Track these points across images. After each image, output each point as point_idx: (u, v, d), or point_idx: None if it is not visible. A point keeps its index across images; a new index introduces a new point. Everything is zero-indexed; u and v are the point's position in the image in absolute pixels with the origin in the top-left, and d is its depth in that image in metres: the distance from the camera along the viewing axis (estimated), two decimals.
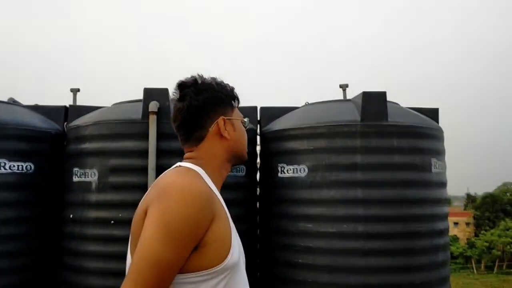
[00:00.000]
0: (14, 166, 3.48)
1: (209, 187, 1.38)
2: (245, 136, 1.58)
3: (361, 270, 3.37)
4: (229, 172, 1.55)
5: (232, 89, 1.56)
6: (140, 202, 1.39)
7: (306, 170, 3.55)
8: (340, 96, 4.51)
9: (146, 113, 3.41)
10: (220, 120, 1.48)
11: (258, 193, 4.00)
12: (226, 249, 1.30)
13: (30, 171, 3.57)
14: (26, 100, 4.31)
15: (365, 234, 3.40)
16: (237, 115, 1.56)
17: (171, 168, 1.48)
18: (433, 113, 4.05)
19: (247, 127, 1.60)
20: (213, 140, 1.48)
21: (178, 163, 1.48)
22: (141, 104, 3.48)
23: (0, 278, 3.34)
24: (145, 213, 1.30)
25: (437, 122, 4.03)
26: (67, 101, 4.42)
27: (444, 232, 3.68)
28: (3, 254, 3.37)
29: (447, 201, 3.88)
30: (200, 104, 1.47)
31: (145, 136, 3.36)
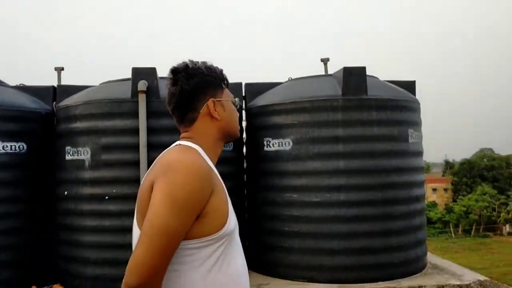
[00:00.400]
0: (7, 146, 3.58)
1: (208, 163, 1.53)
2: (235, 115, 1.68)
3: (344, 236, 3.60)
4: (221, 147, 1.70)
5: (221, 71, 1.69)
6: (144, 178, 1.54)
7: (291, 143, 3.72)
8: (322, 70, 4.66)
9: (135, 92, 3.51)
10: (210, 102, 1.61)
11: (245, 167, 4.17)
12: (224, 218, 1.44)
13: (23, 150, 3.66)
14: (10, 80, 4.35)
15: (347, 202, 3.61)
16: (227, 96, 1.68)
17: (171, 146, 1.62)
18: (410, 86, 4.23)
19: (238, 106, 1.73)
20: (204, 121, 1.62)
21: (178, 142, 1.63)
22: (129, 83, 3.58)
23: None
24: (151, 187, 1.44)
25: (414, 94, 4.22)
26: (51, 80, 4.49)
27: (420, 198, 3.92)
28: (3, 232, 3.49)
29: (423, 169, 4.10)
30: (190, 88, 1.61)
31: (135, 115, 3.47)
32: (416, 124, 3.94)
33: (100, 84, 3.98)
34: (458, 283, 3.51)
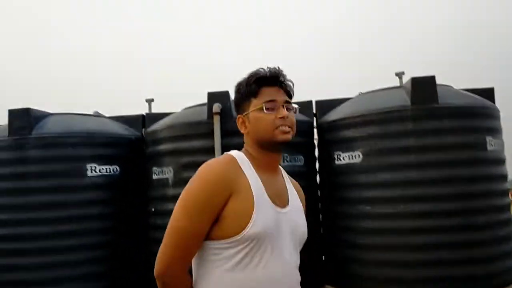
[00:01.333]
0: (103, 169, 4.03)
1: (237, 168, 1.57)
2: (262, 122, 1.63)
3: (419, 248, 3.53)
4: (269, 154, 1.63)
5: (248, 82, 1.66)
6: None
7: (361, 156, 3.77)
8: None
9: (210, 114, 3.80)
10: (237, 120, 1.76)
11: (318, 181, 4.27)
12: (243, 223, 1.49)
13: (117, 173, 4.09)
14: (106, 111, 4.90)
15: (422, 213, 3.55)
16: (254, 105, 1.65)
17: None
18: (488, 93, 4.09)
19: (268, 109, 1.62)
20: (244, 134, 1.77)
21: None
22: (205, 106, 3.88)
23: (95, 267, 3.88)
24: None
25: (493, 101, 4.06)
26: (142, 110, 4.99)
27: (504, 208, 3.73)
28: (97, 245, 3.93)
29: (507, 177, 3.90)
30: (232, 108, 1.79)
31: (211, 135, 3.75)
32: (494, 131, 3.78)
33: (183, 109, 4.35)
34: None
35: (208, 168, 1.61)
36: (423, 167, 3.59)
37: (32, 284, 3.66)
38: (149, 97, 5.28)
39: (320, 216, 4.17)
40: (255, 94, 1.69)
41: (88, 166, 3.97)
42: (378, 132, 3.73)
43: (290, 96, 1.72)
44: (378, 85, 4.07)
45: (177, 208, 1.58)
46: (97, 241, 3.90)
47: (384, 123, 3.72)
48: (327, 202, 4.11)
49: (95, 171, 3.99)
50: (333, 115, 4.12)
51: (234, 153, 1.71)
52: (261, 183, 1.61)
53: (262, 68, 1.74)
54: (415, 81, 3.74)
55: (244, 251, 1.53)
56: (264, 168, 1.68)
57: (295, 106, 1.70)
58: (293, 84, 1.74)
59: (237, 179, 1.58)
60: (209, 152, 3.74)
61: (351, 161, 3.82)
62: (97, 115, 4.71)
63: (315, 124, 4.33)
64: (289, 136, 1.63)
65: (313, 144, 4.22)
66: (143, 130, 4.50)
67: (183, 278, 1.60)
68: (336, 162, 3.93)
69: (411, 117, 3.66)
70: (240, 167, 1.62)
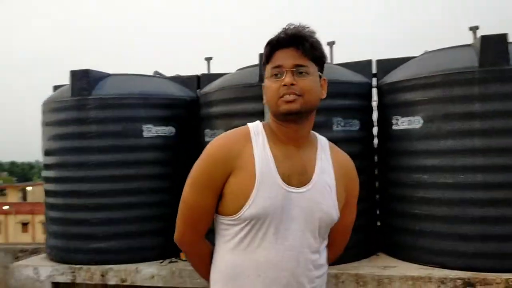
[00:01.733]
0: (159, 130, 4.11)
1: (246, 143, 1.53)
2: (269, 93, 1.55)
3: (479, 221, 3.30)
4: (285, 125, 1.56)
5: (266, 44, 1.56)
6: None
7: (421, 121, 3.52)
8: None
9: (262, 77, 3.69)
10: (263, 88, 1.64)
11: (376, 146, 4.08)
12: (240, 202, 1.47)
13: (172, 134, 4.17)
14: (169, 71, 4.95)
15: (484, 184, 3.29)
16: (267, 72, 1.58)
17: None
18: None
19: (276, 75, 1.53)
20: None
21: None
22: (258, 68, 3.78)
23: (151, 224, 4.05)
24: None
25: None
26: (203, 69, 4.99)
27: None
28: (153, 204, 4.06)
29: None
30: None
31: (261, 98, 3.66)
32: None
33: (236, 70, 4.28)
34: None
35: (213, 143, 1.60)
36: (488, 135, 3.30)
37: (90, 237, 3.89)
38: (208, 55, 5.27)
39: (376, 183, 4.01)
40: (268, 59, 1.58)
41: (145, 127, 4.06)
42: (441, 96, 3.45)
43: (314, 58, 1.54)
44: (450, 41, 3.68)
45: (186, 181, 1.60)
46: (151, 200, 4.04)
47: (448, 86, 3.42)
48: (383, 169, 3.93)
49: (151, 132, 4.08)
50: (393, 76, 3.86)
51: (252, 124, 1.64)
52: (272, 159, 1.53)
53: (284, 28, 1.58)
54: (484, 39, 3.37)
55: (244, 231, 1.52)
56: (283, 141, 1.59)
57: (312, 70, 1.51)
58: (317, 43, 1.55)
59: (241, 156, 1.52)
60: (259, 115, 3.65)
61: (410, 126, 3.59)
62: (157, 75, 4.78)
63: (374, 85, 4.09)
64: (294, 106, 1.49)
65: (371, 107, 4.01)
66: (198, 90, 4.51)
67: (198, 247, 1.64)
68: (394, 127, 3.71)
69: (478, 80, 3.33)
70: (251, 141, 1.55)
